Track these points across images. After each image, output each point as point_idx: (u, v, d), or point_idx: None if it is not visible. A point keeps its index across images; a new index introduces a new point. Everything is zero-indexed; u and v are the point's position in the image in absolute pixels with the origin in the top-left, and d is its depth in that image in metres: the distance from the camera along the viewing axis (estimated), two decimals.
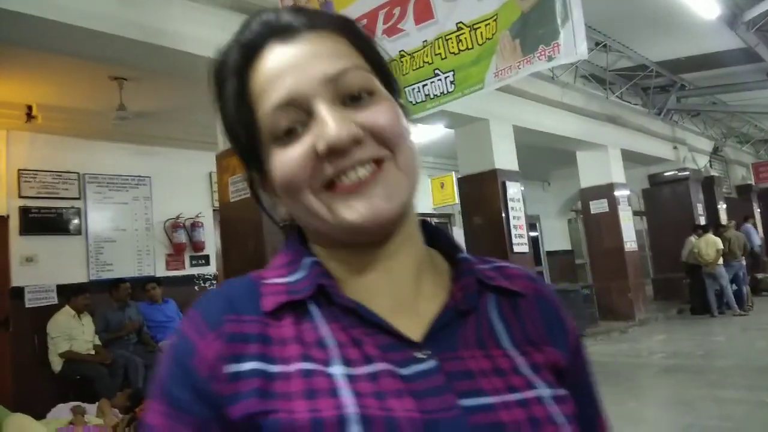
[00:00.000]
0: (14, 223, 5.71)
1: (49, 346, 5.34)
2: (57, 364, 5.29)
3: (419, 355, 0.54)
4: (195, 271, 7.12)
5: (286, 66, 0.54)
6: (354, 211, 0.53)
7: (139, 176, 6.68)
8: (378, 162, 0.54)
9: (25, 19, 3.20)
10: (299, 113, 0.53)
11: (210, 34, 3.93)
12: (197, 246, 7.07)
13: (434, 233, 0.66)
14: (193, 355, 0.53)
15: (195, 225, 7.01)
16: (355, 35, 0.59)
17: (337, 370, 0.52)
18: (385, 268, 0.59)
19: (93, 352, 5.39)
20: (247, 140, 0.58)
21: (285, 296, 0.56)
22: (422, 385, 0.52)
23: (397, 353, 0.53)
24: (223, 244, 4.43)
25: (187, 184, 7.00)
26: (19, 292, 5.62)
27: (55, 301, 5.71)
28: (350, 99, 0.54)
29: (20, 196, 5.77)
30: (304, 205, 0.55)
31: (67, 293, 5.57)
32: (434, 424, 0.50)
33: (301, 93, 0.53)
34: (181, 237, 6.94)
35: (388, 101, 0.56)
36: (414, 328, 0.56)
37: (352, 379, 0.51)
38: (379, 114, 0.54)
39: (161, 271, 6.74)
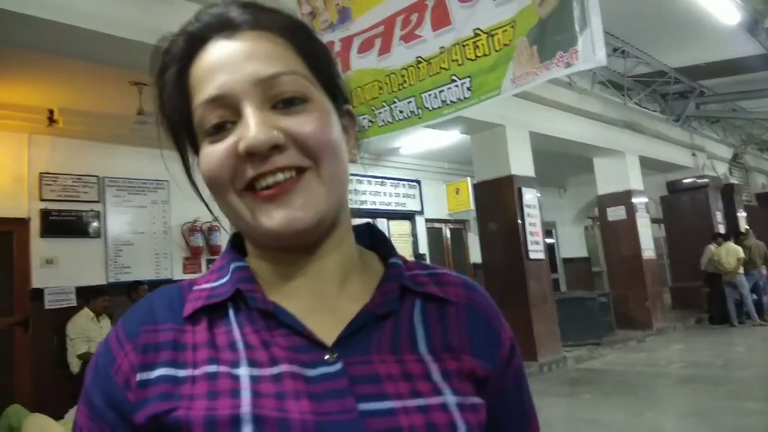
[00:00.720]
0: (35, 226, 5.80)
1: (68, 348, 5.40)
2: (75, 366, 5.35)
3: (327, 357, 0.54)
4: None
5: (222, 63, 0.54)
6: (270, 218, 0.53)
7: (158, 180, 6.75)
8: (299, 170, 0.54)
9: (47, 25, 3.26)
10: (228, 111, 0.53)
11: None
12: (214, 250, 7.12)
13: (376, 236, 0.67)
14: (112, 365, 0.56)
15: (212, 229, 7.06)
16: (301, 39, 0.58)
17: (244, 371, 0.53)
18: (311, 271, 0.59)
19: None
20: (184, 128, 0.58)
21: (202, 301, 0.58)
22: (322, 388, 0.52)
23: (307, 355, 0.54)
24: None
25: (204, 188, 7.02)
26: (38, 293, 5.70)
27: (74, 303, 5.78)
28: (281, 103, 0.54)
29: (41, 199, 5.86)
30: (228, 205, 0.56)
31: (87, 295, 5.63)
32: (326, 427, 0.50)
33: (231, 92, 0.53)
34: (198, 241, 7.00)
35: (321, 111, 0.55)
36: (331, 330, 0.56)
37: (255, 380, 0.52)
38: (305, 122, 0.54)
39: (178, 274, 6.80)
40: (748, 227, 11.01)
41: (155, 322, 0.57)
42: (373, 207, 8.72)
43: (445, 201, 10.25)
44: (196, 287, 0.60)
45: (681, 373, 6.35)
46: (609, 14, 2.75)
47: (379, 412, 0.52)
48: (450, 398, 0.55)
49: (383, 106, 3.51)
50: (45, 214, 5.87)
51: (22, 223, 5.73)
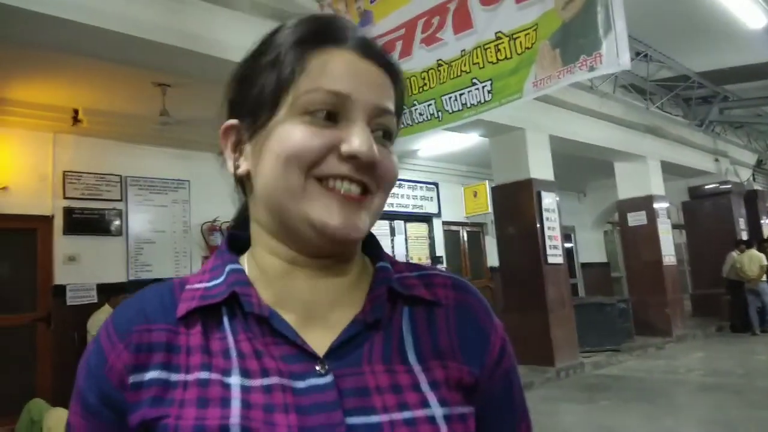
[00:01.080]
0: (58, 223, 5.89)
1: (88, 343, 5.47)
2: None
3: (318, 369, 0.54)
4: None
5: (357, 74, 0.58)
6: (331, 215, 0.55)
7: (179, 180, 6.83)
8: (365, 191, 0.57)
9: (72, 26, 3.31)
10: (338, 110, 0.56)
11: (251, 43, 4.01)
12: None
13: (368, 239, 0.66)
14: (104, 365, 0.56)
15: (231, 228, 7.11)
16: (399, 82, 0.63)
17: (235, 380, 0.53)
18: (319, 279, 0.60)
19: None
20: (271, 98, 0.58)
21: (197, 302, 0.57)
22: (311, 400, 0.53)
23: (298, 365, 0.54)
24: None
25: (224, 188, 7.06)
26: (61, 290, 5.79)
27: (95, 299, 5.86)
28: (379, 133, 0.59)
29: (65, 197, 5.95)
30: (292, 184, 0.56)
31: (108, 292, 5.71)
32: None
33: (356, 100, 0.56)
34: (218, 240, 7.05)
35: (394, 154, 0.61)
36: (324, 339, 0.56)
37: (245, 390, 0.53)
38: (392, 160, 0.59)
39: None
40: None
41: (148, 321, 0.57)
42: (390, 209, 8.71)
43: (462, 204, 10.21)
44: (188, 286, 0.60)
45: (701, 381, 6.26)
46: (632, 18, 2.73)
47: (366, 426, 0.52)
48: (437, 410, 0.55)
49: (403, 109, 3.52)
50: (68, 212, 5.96)
51: (46, 220, 5.83)
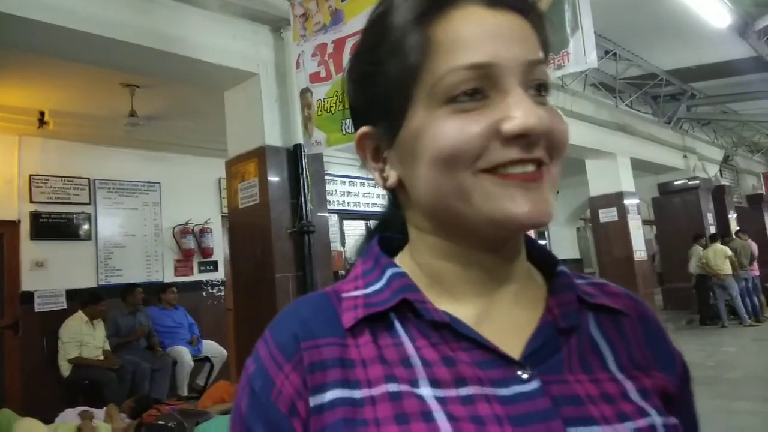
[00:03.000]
0: (25, 228, 5.75)
1: (60, 351, 5.36)
2: (66, 369, 5.31)
3: (521, 374, 0.49)
4: (203, 276, 7.14)
5: (492, 32, 0.49)
6: (516, 204, 0.48)
7: (149, 182, 6.72)
8: (539, 165, 0.50)
9: (38, 26, 3.23)
10: (485, 84, 0.49)
11: (222, 43, 3.97)
12: (206, 252, 7.09)
13: (530, 243, 0.61)
14: (272, 389, 0.50)
15: (203, 231, 7.04)
16: (540, 23, 0.54)
17: (426, 391, 0.48)
18: (496, 273, 0.54)
19: (102, 357, 5.41)
20: (399, 93, 0.52)
21: (362, 310, 0.52)
22: (522, 409, 0.47)
23: (496, 371, 0.49)
24: (232, 250, 4.44)
25: (196, 190, 7.04)
26: (28, 296, 5.65)
27: (65, 305, 5.74)
28: (534, 90, 0.50)
29: (31, 201, 5.82)
30: (457, 185, 0.49)
31: (82, 299, 5.59)
32: None
33: (502, 64, 0.48)
34: (190, 243, 6.96)
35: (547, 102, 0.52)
36: (511, 344, 0.51)
37: (443, 401, 0.47)
38: (558, 118, 0.51)
39: (170, 277, 6.77)
40: (738, 228, 11.09)
41: (314, 336, 0.52)
42: (366, 209, 8.70)
43: None
44: (345, 295, 0.55)
45: None
46: (600, 17, 2.77)
47: None
48: (657, 419, 0.50)
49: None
50: (35, 216, 5.82)
51: (12, 225, 5.69)
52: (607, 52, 7.07)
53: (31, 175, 5.84)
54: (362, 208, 8.69)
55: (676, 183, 11.09)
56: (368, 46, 0.55)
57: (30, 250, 5.75)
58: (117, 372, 5.28)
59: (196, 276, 7.07)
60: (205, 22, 3.90)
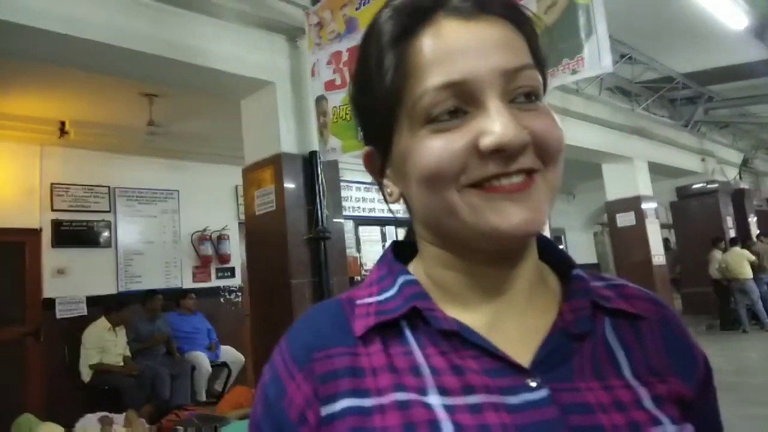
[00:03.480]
0: (47, 236, 5.85)
1: (81, 357, 5.44)
2: (87, 375, 5.38)
3: (530, 382, 0.49)
4: (221, 283, 7.20)
5: (463, 46, 0.49)
6: (502, 216, 0.48)
7: (168, 190, 6.81)
8: (530, 173, 0.49)
9: (57, 38, 3.28)
10: (463, 100, 0.48)
11: (239, 52, 4.02)
12: (223, 258, 7.16)
13: (546, 245, 0.60)
14: (283, 397, 0.52)
15: (221, 238, 7.10)
16: (525, 23, 0.53)
17: (435, 400, 0.48)
18: (500, 281, 0.54)
19: (122, 364, 5.48)
20: (383, 116, 0.53)
21: (374, 318, 0.53)
22: (530, 418, 0.47)
23: (505, 379, 0.49)
24: (249, 256, 4.48)
25: (213, 197, 7.11)
26: (50, 303, 5.74)
27: (85, 312, 5.82)
28: (519, 99, 0.49)
29: (53, 209, 5.92)
30: (443, 202, 0.50)
31: (105, 306, 5.69)
32: None
33: (475, 80, 0.48)
34: (208, 249, 7.04)
35: (549, 110, 0.51)
36: (521, 351, 0.51)
37: (450, 410, 0.47)
38: (548, 124, 0.50)
39: (188, 283, 6.84)
40: (759, 232, 10.93)
41: (326, 345, 0.53)
42: (381, 215, 8.71)
43: None
44: (359, 302, 0.56)
45: None
46: (615, 21, 2.76)
47: None
48: (669, 427, 0.50)
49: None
50: (56, 224, 5.92)
51: (34, 233, 5.79)
52: (622, 56, 7.04)
53: (52, 184, 5.94)
54: (377, 214, 8.71)
55: (694, 186, 10.96)
56: (357, 70, 0.56)
57: (51, 257, 5.84)
58: (136, 378, 5.34)
59: (214, 282, 7.14)
60: (221, 32, 3.96)
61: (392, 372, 0.50)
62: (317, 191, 4.18)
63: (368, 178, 5.84)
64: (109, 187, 6.34)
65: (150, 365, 5.50)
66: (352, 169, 7.64)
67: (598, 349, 0.53)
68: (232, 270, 7.32)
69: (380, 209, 8.85)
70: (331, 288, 4.09)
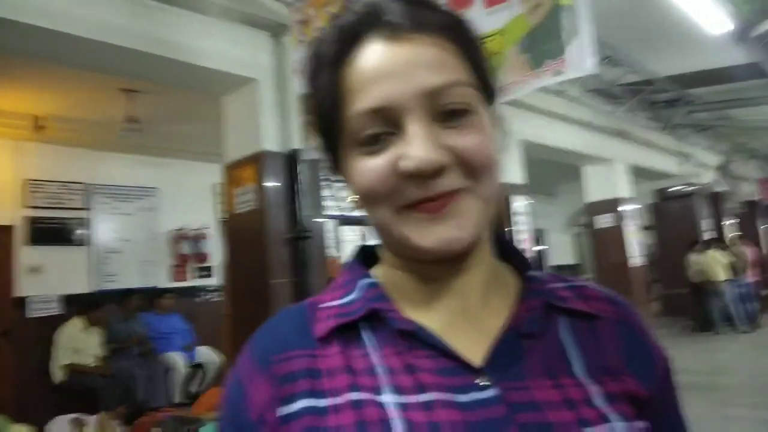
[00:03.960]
0: (20, 233, 5.73)
1: (53, 357, 5.32)
2: (59, 376, 5.27)
3: (480, 381, 0.51)
4: (199, 282, 7.11)
5: (385, 70, 0.50)
6: (425, 237, 0.51)
7: (146, 187, 6.70)
8: (457, 190, 0.51)
9: (34, 31, 3.21)
10: (388, 124, 0.50)
11: (221, 48, 3.96)
12: (201, 257, 7.07)
13: (506, 247, 0.62)
14: (244, 398, 0.54)
15: (199, 237, 7.02)
16: (464, 40, 0.53)
17: (388, 398, 0.50)
18: (454, 286, 0.56)
19: (98, 364, 5.38)
20: (328, 134, 0.55)
21: (334, 320, 0.55)
22: (479, 416, 0.49)
23: (456, 378, 0.51)
24: (228, 255, 4.42)
25: (192, 195, 7.02)
26: (23, 302, 5.62)
27: (59, 311, 5.71)
28: (445, 116, 0.50)
29: (27, 206, 5.80)
30: (377, 219, 0.54)
31: (80, 305, 5.58)
32: None
33: (395, 104, 0.49)
34: (186, 248, 6.94)
35: (484, 124, 0.52)
36: (476, 350, 0.53)
37: (403, 407, 0.49)
38: (471, 139, 0.50)
39: (165, 283, 6.74)
40: (735, 234, 11.11)
41: (286, 348, 0.54)
42: (362, 215, 8.68)
43: None
44: (322, 305, 0.58)
45: None
46: (598, 22, 2.76)
47: None
48: (618, 425, 0.51)
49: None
50: (30, 221, 5.80)
51: (7, 230, 5.66)
52: (604, 58, 7.08)
53: (26, 180, 5.82)
54: (358, 214, 8.67)
55: (673, 189, 11.11)
56: (305, 89, 0.57)
57: (24, 255, 5.72)
58: (110, 379, 5.24)
59: (192, 282, 7.05)
60: (204, 28, 3.89)
61: (348, 373, 0.52)
62: (298, 190, 4.14)
63: None
64: (85, 183, 6.23)
65: (125, 366, 5.41)
66: None
67: (550, 349, 0.55)
68: (210, 269, 7.23)
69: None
70: (311, 288, 4.05)
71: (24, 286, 5.67)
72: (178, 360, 5.87)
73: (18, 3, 3.09)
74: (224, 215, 4.54)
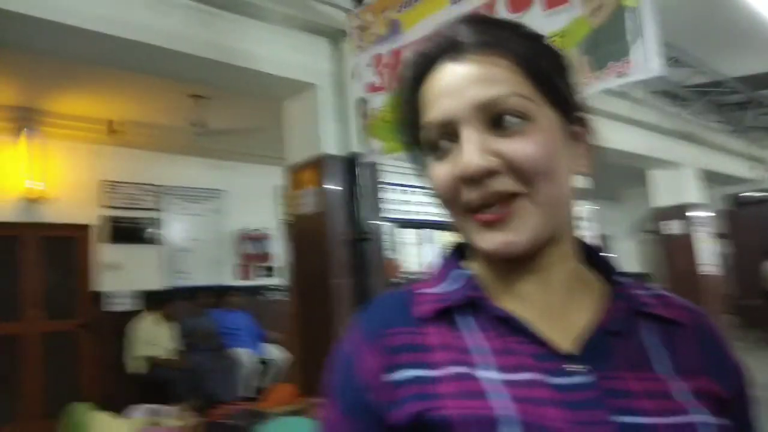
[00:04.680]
0: (97, 232, 6.07)
1: (128, 349, 5.61)
2: (134, 367, 5.55)
3: (571, 367, 0.55)
4: (262, 281, 7.32)
5: (446, 88, 0.57)
6: (485, 241, 0.57)
7: (213, 189, 6.97)
8: (514, 195, 0.55)
9: (107, 40, 3.40)
10: (450, 134, 0.57)
11: (281, 54, 4.08)
12: (264, 257, 7.28)
13: (593, 253, 0.67)
14: (353, 366, 0.60)
15: (263, 237, 7.23)
16: (528, 55, 0.58)
17: (488, 374, 0.55)
18: (538, 279, 0.60)
19: (170, 357, 5.63)
20: (413, 143, 0.63)
21: (434, 305, 0.61)
22: (575, 397, 0.53)
23: (548, 363, 0.55)
24: (290, 256, 4.53)
25: (256, 197, 7.24)
26: (100, 297, 5.95)
27: (134, 306, 6.01)
28: (499, 125, 0.56)
29: (103, 206, 6.14)
30: (452, 220, 0.60)
31: (154, 300, 5.89)
32: None
33: (453, 117, 0.56)
34: (250, 248, 7.17)
35: (541, 132, 0.56)
36: (562, 341, 0.57)
37: (506, 384, 0.54)
38: (522, 146, 0.55)
39: (232, 281, 6.98)
40: None
41: (391, 325, 0.61)
42: (420, 217, 8.67)
43: None
44: (421, 291, 0.64)
45: None
46: (664, 23, 2.70)
47: (634, 426, 0.52)
48: (697, 417, 0.54)
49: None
50: (106, 220, 6.13)
51: (85, 229, 6.01)
52: (670, 59, 6.86)
53: (103, 182, 6.16)
54: (416, 217, 8.69)
55: (746, 194, 10.59)
56: (398, 107, 0.65)
57: (101, 252, 6.05)
58: (183, 372, 5.47)
59: (257, 280, 7.27)
60: (266, 35, 4.03)
61: (451, 350, 0.57)
62: (357, 193, 4.21)
63: (408, 181, 5.83)
64: (157, 185, 6.53)
65: (196, 360, 5.64)
66: (392, 172, 7.66)
67: (634, 348, 0.59)
68: (273, 269, 7.43)
69: (418, 212, 8.83)
70: (370, 289, 4.11)
71: (101, 282, 6.01)
72: (244, 355, 6.06)
73: (93, 14, 3.29)
74: (287, 217, 4.66)
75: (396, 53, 3.60)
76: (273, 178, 6.60)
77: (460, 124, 0.56)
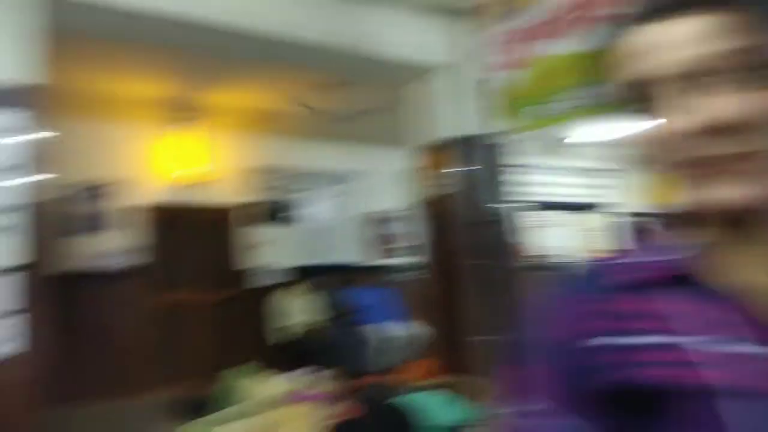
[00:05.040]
0: (239, 215, 6.55)
1: (274, 321, 6.09)
2: (278, 338, 6.02)
3: None
4: (398, 260, 7.54)
5: (653, 46, 0.56)
6: (707, 194, 0.53)
7: (346, 172, 7.32)
8: (754, 152, 0.53)
9: (252, 35, 3.60)
10: (671, 88, 0.54)
11: (404, 38, 4.12)
12: (399, 238, 7.49)
13: None
14: (548, 331, 0.64)
15: (392, 218, 7.45)
16: (728, 7, 0.55)
17: (687, 340, 0.54)
18: (752, 247, 0.57)
19: (310, 329, 6.04)
20: (632, 96, 0.59)
21: (632, 275, 0.61)
22: None
23: (753, 331, 0.53)
24: (424, 237, 4.60)
25: (385, 180, 7.45)
26: (247, 272, 6.49)
27: (276, 281, 6.45)
28: (704, 83, 0.53)
29: (245, 190, 6.62)
30: (668, 173, 0.57)
31: (295, 276, 6.35)
32: None
33: (660, 75, 0.55)
34: (380, 229, 7.42)
35: (750, 89, 0.53)
36: None
37: (704, 352, 0.53)
38: (730, 104, 0.53)
39: (368, 260, 7.28)
40: None
41: (586, 293, 0.63)
42: (548, 200, 8.39)
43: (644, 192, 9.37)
44: (620, 261, 0.64)
45: None
46: None
47: None
48: None
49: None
50: (250, 203, 6.61)
51: (232, 210, 6.51)
52: None
53: (247, 167, 6.64)
54: (544, 199, 8.41)
55: None
56: (609, 61, 0.62)
57: (245, 232, 6.56)
58: (322, 345, 5.84)
59: (389, 260, 7.52)
60: (387, 20, 4.06)
61: (654, 318, 0.57)
62: (487, 175, 4.21)
63: (534, 162, 5.56)
64: (294, 169, 6.94)
65: (335, 333, 5.98)
66: (519, 153, 7.47)
67: None
68: (408, 249, 7.60)
69: (545, 194, 8.50)
70: (502, 271, 4.11)
71: (250, 258, 6.52)
72: (384, 330, 6.33)
73: (236, 9, 3.50)
74: (417, 199, 4.74)
75: (518, 33, 3.49)
76: (405, 160, 6.73)
77: (669, 82, 0.54)
